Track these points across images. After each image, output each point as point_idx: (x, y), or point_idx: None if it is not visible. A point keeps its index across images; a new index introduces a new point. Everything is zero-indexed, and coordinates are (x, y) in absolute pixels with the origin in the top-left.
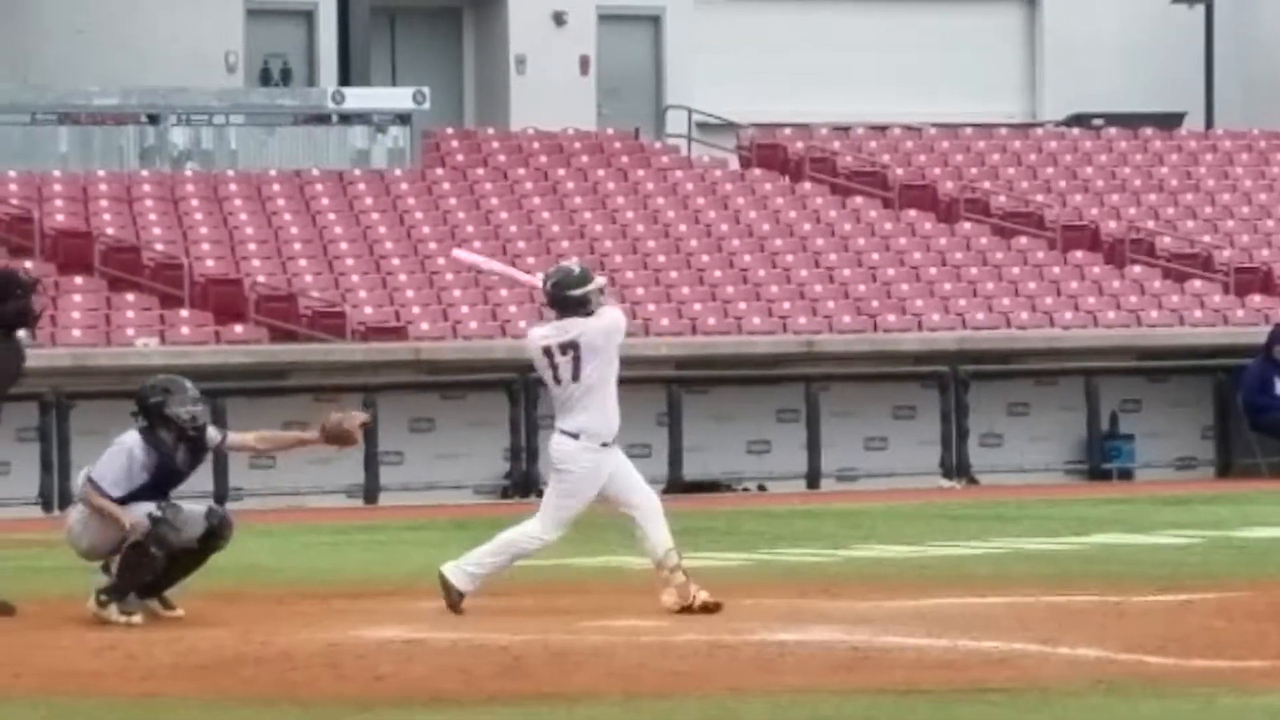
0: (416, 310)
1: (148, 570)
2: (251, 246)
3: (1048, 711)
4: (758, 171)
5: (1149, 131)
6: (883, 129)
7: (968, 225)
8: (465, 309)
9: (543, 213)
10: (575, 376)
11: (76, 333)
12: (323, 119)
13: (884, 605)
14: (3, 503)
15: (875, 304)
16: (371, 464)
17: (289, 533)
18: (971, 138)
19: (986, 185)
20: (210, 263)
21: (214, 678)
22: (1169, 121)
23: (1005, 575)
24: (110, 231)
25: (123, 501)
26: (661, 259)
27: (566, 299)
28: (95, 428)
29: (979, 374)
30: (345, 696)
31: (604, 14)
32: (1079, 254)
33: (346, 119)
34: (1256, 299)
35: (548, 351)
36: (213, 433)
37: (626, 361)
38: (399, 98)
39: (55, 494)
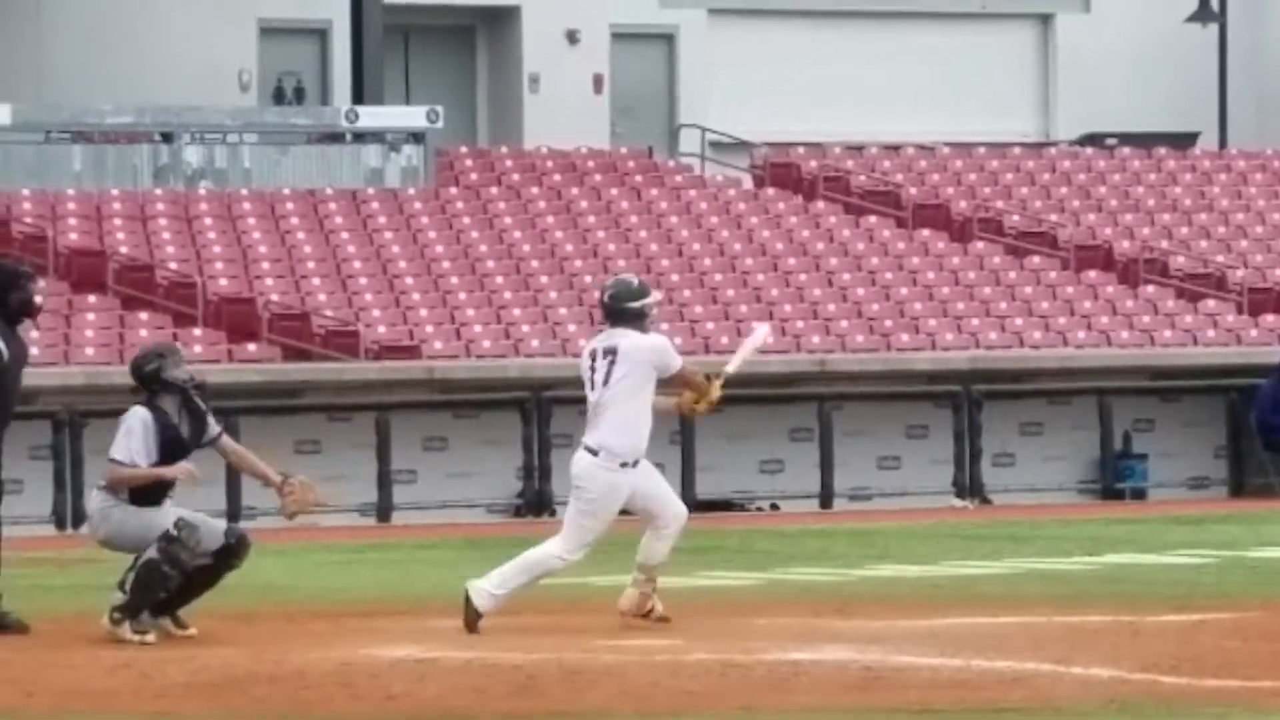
0: (430, 329)
1: (161, 588)
2: (265, 265)
3: None
4: (771, 190)
5: (1162, 151)
6: (896, 148)
7: (981, 244)
8: (478, 328)
9: (556, 231)
10: (605, 381)
11: (90, 351)
12: (336, 138)
13: (897, 625)
14: (16, 521)
15: (888, 323)
16: (384, 483)
17: (302, 551)
18: (985, 157)
19: (1000, 204)
20: (223, 281)
21: (227, 696)
22: (1182, 141)
23: (1018, 595)
24: (124, 250)
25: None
26: (675, 278)
27: (624, 310)
28: (108, 446)
29: (992, 393)
30: (358, 715)
31: (617, 32)
32: (1092, 273)
33: (360, 138)
34: (1269, 319)
35: (592, 354)
36: (214, 423)
37: None
38: (412, 116)
39: (68, 512)
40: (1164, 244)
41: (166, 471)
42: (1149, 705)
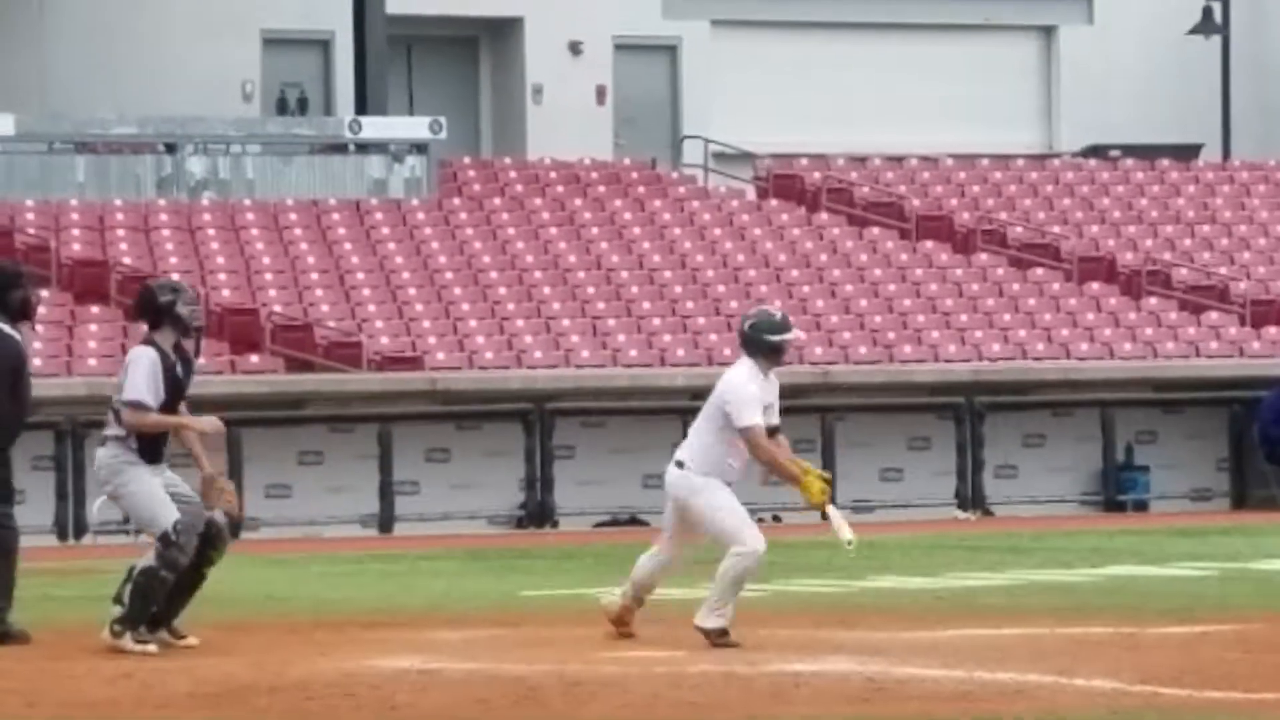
0: (432, 340)
1: (159, 593)
2: (268, 276)
3: None
4: (774, 202)
5: (1166, 162)
6: (900, 160)
7: (984, 256)
8: (481, 339)
9: (559, 242)
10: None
11: (92, 362)
12: (339, 148)
13: (899, 636)
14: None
15: (891, 335)
16: (387, 494)
17: (304, 562)
18: (988, 169)
19: (1003, 216)
20: (226, 292)
21: (229, 707)
22: (1186, 153)
23: (1020, 606)
24: (127, 261)
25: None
26: (678, 289)
27: (759, 341)
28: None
29: (995, 405)
30: None
31: (620, 44)
32: (1095, 285)
33: (363, 148)
34: (1272, 331)
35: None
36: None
37: (640, 392)
38: (416, 127)
39: (70, 522)
40: (1167, 256)
41: (194, 422)
42: (1151, 717)
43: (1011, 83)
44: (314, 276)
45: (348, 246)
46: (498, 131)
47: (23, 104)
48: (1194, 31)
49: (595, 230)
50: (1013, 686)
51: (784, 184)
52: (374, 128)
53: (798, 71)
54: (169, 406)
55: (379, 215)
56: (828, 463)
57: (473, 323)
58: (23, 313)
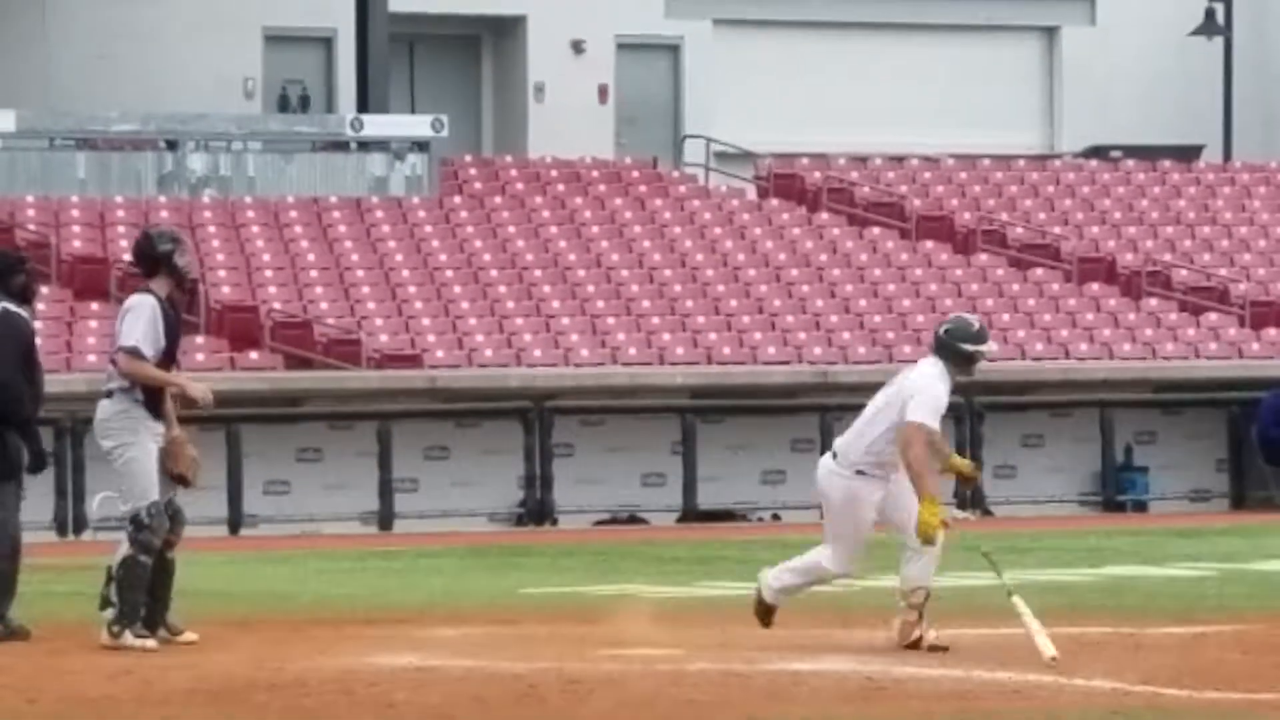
0: (432, 338)
1: (142, 580)
2: (268, 273)
3: None
4: (775, 201)
5: (1167, 164)
6: (900, 160)
7: (984, 257)
8: (480, 337)
9: (560, 241)
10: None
11: (92, 358)
12: (341, 146)
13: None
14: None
15: (891, 335)
16: (386, 491)
17: (304, 559)
18: (989, 169)
19: (1004, 217)
20: (226, 289)
21: (228, 703)
22: (1187, 154)
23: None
24: (127, 257)
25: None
26: (678, 288)
27: (955, 350)
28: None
29: (994, 405)
30: None
31: (623, 43)
32: (1095, 286)
33: (364, 146)
34: (1272, 333)
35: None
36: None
37: (639, 390)
38: (417, 125)
39: (70, 518)
40: (1167, 257)
41: (186, 385)
42: (1150, 717)
43: (1013, 83)
44: (314, 274)
45: (348, 244)
46: (499, 130)
47: (24, 100)
48: (1196, 33)
49: (596, 229)
50: (1011, 686)
51: (785, 184)
52: (375, 126)
53: (799, 72)
54: (168, 356)
55: (380, 213)
56: None
57: (472, 321)
58: (24, 297)
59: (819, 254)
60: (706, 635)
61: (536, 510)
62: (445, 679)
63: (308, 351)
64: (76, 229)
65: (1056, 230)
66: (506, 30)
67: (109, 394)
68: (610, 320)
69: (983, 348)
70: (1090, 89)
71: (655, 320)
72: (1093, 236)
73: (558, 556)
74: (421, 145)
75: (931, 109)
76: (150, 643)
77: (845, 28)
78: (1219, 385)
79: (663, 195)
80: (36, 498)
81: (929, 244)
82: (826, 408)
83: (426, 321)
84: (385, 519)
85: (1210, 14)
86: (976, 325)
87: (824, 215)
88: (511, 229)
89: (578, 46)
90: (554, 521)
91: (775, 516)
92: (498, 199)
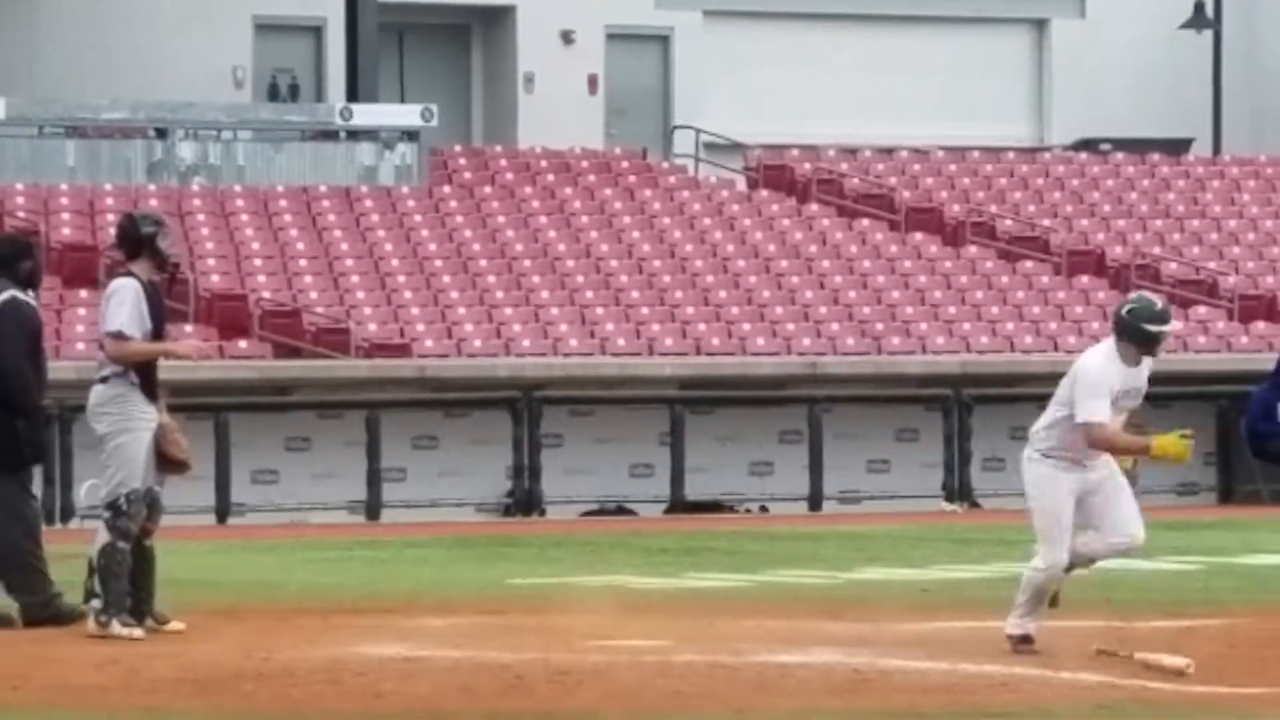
0: (421, 328)
1: (124, 567)
2: (257, 262)
3: None
4: (764, 193)
5: (1156, 157)
6: (890, 151)
7: (974, 249)
8: (469, 327)
9: (549, 231)
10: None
11: (81, 346)
12: (330, 135)
13: (885, 628)
14: None
15: (879, 326)
16: (374, 481)
17: (291, 548)
18: (979, 161)
19: (993, 209)
20: (216, 278)
21: (215, 693)
22: (1176, 147)
23: (1007, 599)
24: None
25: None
26: (667, 279)
27: (1136, 330)
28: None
29: (982, 397)
30: (346, 713)
31: (612, 33)
32: (1084, 279)
33: (354, 135)
34: (1260, 326)
35: None
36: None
37: (628, 381)
38: (407, 115)
39: (58, 507)
40: (1156, 250)
41: (176, 348)
42: (1137, 711)
43: (1003, 76)
44: (303, 263)
45: (337, 233)
46: (489, 120)
47: (13, 88)
48: (1186, 26)
49: (585, 219)
50: (999, 679)
51: (774, 175)
52: (365, 115)
53: (789, 63)
54: (155, 337)
55: (369, 202)
56: (815, 454)
57: (461, 310)
58: (30, 282)
59: (808, 245)
60: (693, 627)
61: (524, 501)
62: (433, 669)
63: (296, 340)
64: (66, 217)
65: (1046, 223)
66: (496, 20)
67: (104, 379)
68: (599, 310)
69: (1165, 328)
70: (1080, 82)
71: (644, 311)
72: (1082, 229)
73: (545, 547)
74: (411, 135)
75: (921, 101)
76: (137, 632)
77: (836, 19)
78: (1207, 379)
79: (652, 186)
80: None
81: (918, 236)
82: (815, 399)
83: (415, 311)
84: (373, 508)
85: (1200, 7)
86: (1160, 304)
87: (813, 207)
88: (501, 219)
89: (567, 37)
90: (542, 512)
91: (763, 508)
92: (487, 189)
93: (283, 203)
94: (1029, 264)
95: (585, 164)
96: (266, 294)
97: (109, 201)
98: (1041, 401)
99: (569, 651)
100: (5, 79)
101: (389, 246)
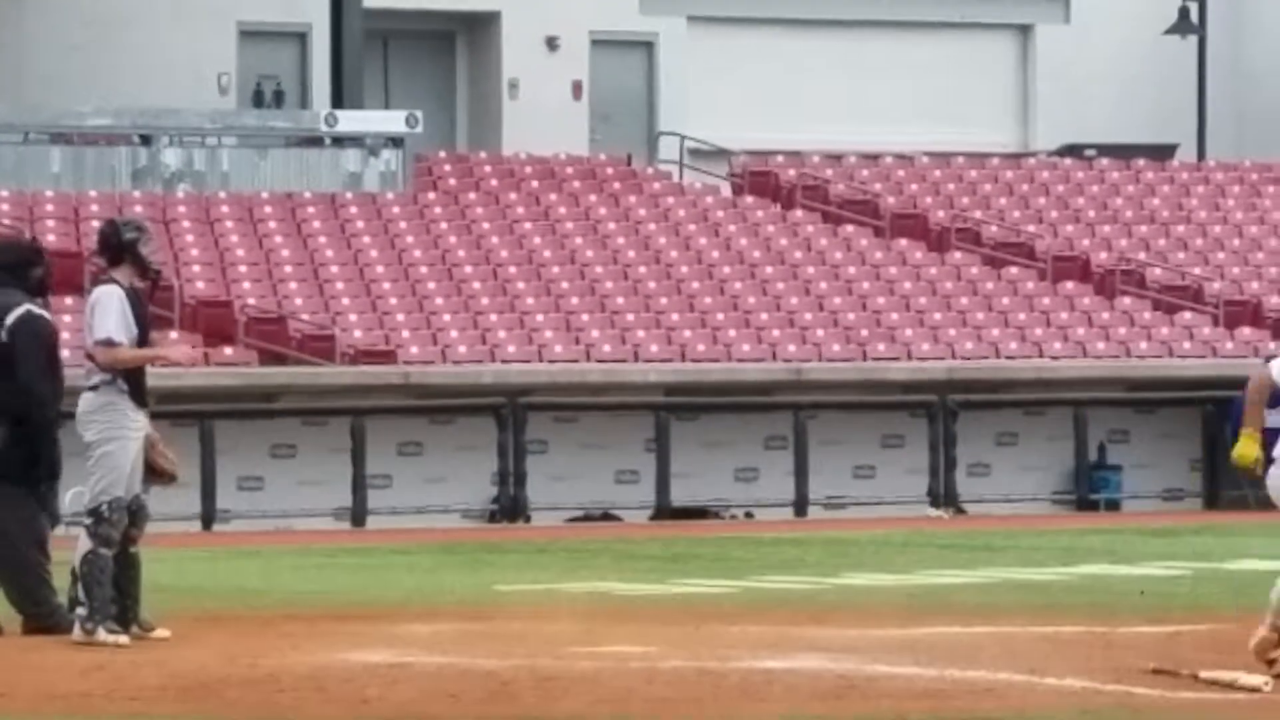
0: (406, 334)
1: (107, 574)
2: (242, 269)
3: None
4: (749, 199)
5: (1141, 162)
6: (875, 157)
7: (958, 255)
8: (455, 333)
9: (534, 237)
10: None
11: (66, 353)
12: (315, 141)
13: (871, 634)
14: None
15: (865, 333)
16: (360, 487)
17: (276, 555)
18: (963, 167)
19: (978, 215)
20: (200, 284)
21: (200, 699)
22: (1161, 153)
23: (992, 605)
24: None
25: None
26: (652, 285)
27: None
28: (82, 449)
29: (968, 404)
30: (331, 719)
31: (597, 39)
32: (1069, 285)
33: (339, 141)
34: (1246, 331)
35: None
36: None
37: (613, 387)
38: (391, 121)
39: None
40: (1141, 256)
41: (168, 352)
42: (1122, 716)
43: (987, 81)
44: (288, 269)
45: (322, 240)
46: (473, 126)
47: None
48: (1170, 32)
49: (570, 225)
50: (984, 685)
51: (759, 181)
52: (350, 121)
53: (774, 69)
54: (142, 343)
55: (354, 209)
56: (800, 460)
57: (446, 317)
58: (40, 290)
59: (793, 251)
60: (680, 633)
61: (510, 507)
62: (418, 676)
63: (282, 347)
64: (51, 223)
65: (1031, 229)
66: (481, 26)
67: (93, 387)
68: (584, 317)
69: None
70: (1065, 87)
71: (629, 317)
72: (1067, 235)
73: (531, 553)
74: (396, 141)
75: (906, 107)
76: (123, 639)
77: (820, 25)
78: (1193, 384)
79: (637, 192)
80: None
81: (903, 242)
82: (800, 405)
83: (401, 317)
84: (358, 515)
85: (1184, 13)
86: None
87: (798, 213)
88: (486, 225)
89: (552, 43)
90: (527, 518)
91: (748, 514)
92: (472, 195)
93: (267, 209)
94: (1014, 270)
95: (570, 170)
96: (251, 300)
97: (94, 208)
98: (1029, 407)
99: (555, 658)
100: None
101: (374, 253)
